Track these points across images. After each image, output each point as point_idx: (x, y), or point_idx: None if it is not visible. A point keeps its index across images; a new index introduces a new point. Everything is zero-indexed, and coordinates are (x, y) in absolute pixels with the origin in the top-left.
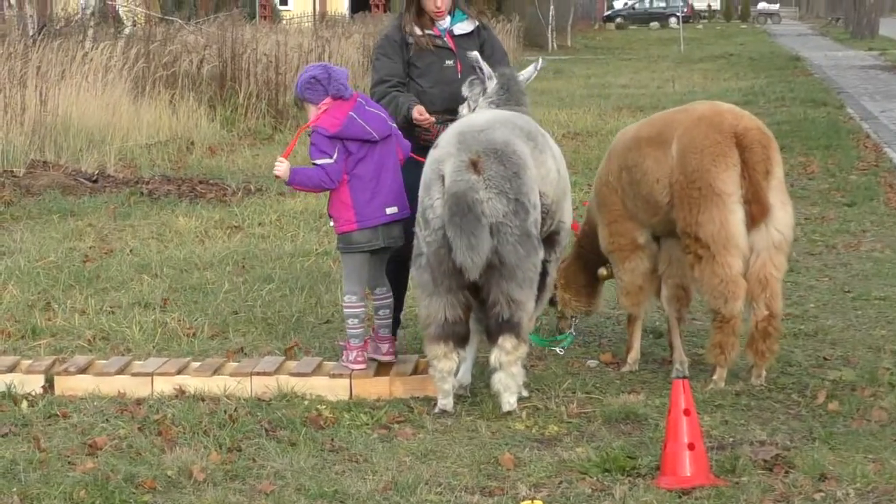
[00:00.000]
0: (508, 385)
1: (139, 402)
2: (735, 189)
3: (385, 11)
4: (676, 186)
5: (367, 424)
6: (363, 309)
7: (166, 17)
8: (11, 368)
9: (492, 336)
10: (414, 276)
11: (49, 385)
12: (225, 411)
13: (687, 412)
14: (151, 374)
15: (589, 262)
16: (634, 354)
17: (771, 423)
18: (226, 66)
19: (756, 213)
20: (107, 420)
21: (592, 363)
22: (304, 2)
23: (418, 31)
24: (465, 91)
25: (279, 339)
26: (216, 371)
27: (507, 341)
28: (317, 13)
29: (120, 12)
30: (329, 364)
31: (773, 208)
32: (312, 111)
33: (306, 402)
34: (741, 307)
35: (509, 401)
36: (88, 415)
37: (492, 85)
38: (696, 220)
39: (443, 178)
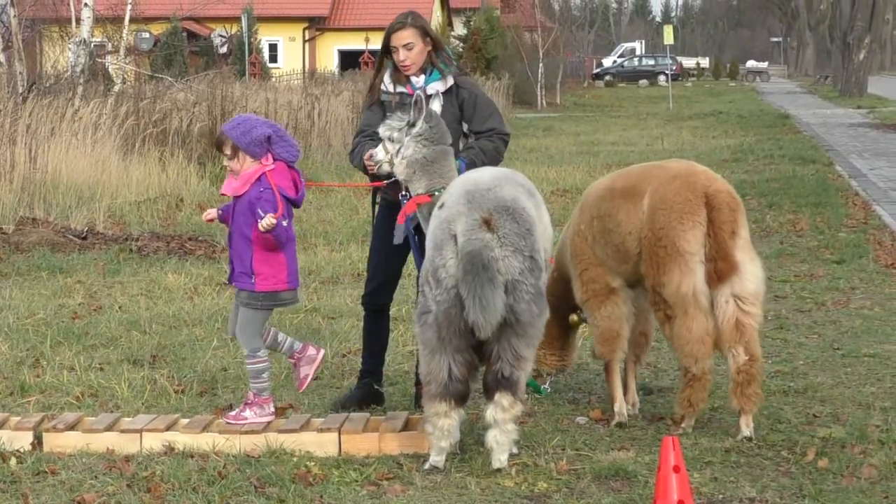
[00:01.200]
0: (502, 442)
1: (128, 458)
2: (698, 248)
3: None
4: (645, 242)
5: (357, 481)
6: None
7: (156, 75)
8: (0, 425)
9: (489, 392)
10: (418, 334)
11: (38, 442)
12: (214, 468)
13: (676, 469)
14: (140, 431)
15: (558, 311)
16: (619, 404)
17: (761, 479)
18: (215, 123)
19: (724, 269)
20: (95, 477)
21: (582, 420)
22: (293, 59)
23: (391, 88)
24: (381, 130)
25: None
26: (205, 428)
27: (504, 398)
28: (306, 70)
29: (110, 70)
30: (317, 420)
31: (742, 263)
32: (248, 163)
33: (295, 459)
34: (710, 364)
35: (500, 458)
36: (77, 471)
37: (422, 123)
38: (660, 280)
39: (455, 237)
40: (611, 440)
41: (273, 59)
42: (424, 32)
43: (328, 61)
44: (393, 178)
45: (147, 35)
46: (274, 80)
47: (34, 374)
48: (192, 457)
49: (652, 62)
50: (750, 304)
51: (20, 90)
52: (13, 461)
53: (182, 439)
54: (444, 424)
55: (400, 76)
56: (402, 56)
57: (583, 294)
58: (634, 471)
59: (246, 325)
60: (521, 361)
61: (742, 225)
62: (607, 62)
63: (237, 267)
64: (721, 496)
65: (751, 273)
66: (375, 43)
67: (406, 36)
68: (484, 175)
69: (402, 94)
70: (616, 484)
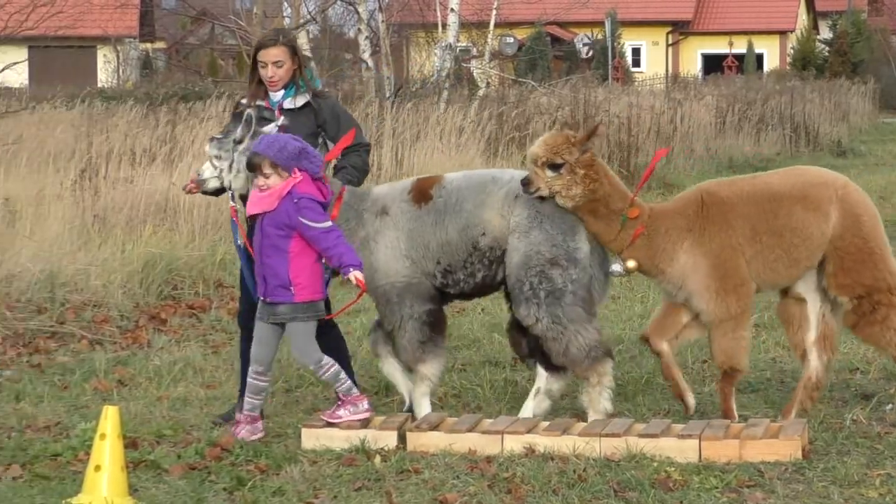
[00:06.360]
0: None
1: (489, 459)
2: None
3: (738, 73)
4: (850, 248)
5: (717, 488)
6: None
7: (520, 79)
8: (366, 424)
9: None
10: (564, 314)
11: (402, 441)
12: (574, 471)
13: None
14: (502, 433)
15: None
16: (734, 416)
17: None
18: (579, 127)
19: None
20: (457, 476)
21: None
22: (656, 63)
23: (251, 102)
24: (208, 149)
25: (628, 400)
26: (565, 431)
27: None
28: (669, 75)
29: (474, 74)
30: (678, 426)
31: None
32: (274, 180)
33: (655, 464)
34: None
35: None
36: (439, 471)
37: (248, 141)
38: (880, 275)
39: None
40: None
41: (636, 63)
42: (293, 51)
43: (691, 65)
44: (223, 194)
45: (512, 40)
46: (637, 84)
47: None
48: (552, 459)
49: None
50: None
51: (387, 94)
52: (378, 459)
53: (542, 441)
54: (611, 381)
55: (259, 91)
56: (270, 73)
57: (736, 308)
58: None
59: (298, 341)
60: None
61: None
62: None
63: (272, 281)
64: None
65: None
66: (739, 46)
67: (276, 53)
68: None
69: (259, 107)
70: None
